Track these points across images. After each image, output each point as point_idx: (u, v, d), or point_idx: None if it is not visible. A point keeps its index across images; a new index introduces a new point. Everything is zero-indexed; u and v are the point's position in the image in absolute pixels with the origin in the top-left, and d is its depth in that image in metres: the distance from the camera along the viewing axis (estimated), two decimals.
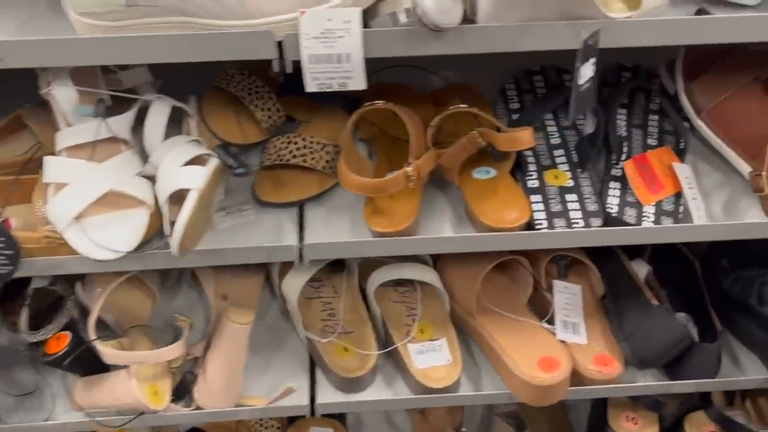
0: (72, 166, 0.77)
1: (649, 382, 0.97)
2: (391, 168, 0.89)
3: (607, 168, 0.90)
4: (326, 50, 0.68)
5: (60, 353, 0.88)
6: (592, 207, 0.86)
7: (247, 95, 0.91)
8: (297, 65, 0.69)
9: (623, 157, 0.90)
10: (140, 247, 0.78)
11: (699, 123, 0.92)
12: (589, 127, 0.96)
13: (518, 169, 0.90)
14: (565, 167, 0.91)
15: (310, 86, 0.70)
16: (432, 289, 1.00)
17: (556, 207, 0.86)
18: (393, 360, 1.00)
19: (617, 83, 1.02)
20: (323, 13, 0.67)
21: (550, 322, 0.98)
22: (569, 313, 1.00)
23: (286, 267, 0.99)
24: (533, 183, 0.88)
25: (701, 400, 1.07)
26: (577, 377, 0.94)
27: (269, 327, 1.05)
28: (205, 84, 0.92)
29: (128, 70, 0.83)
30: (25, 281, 0.94)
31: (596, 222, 0.84)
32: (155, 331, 1.01)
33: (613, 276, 1.00)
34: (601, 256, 1.02)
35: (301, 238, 0.85)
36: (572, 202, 0.86)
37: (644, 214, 0.85)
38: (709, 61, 0.93)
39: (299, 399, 0.96)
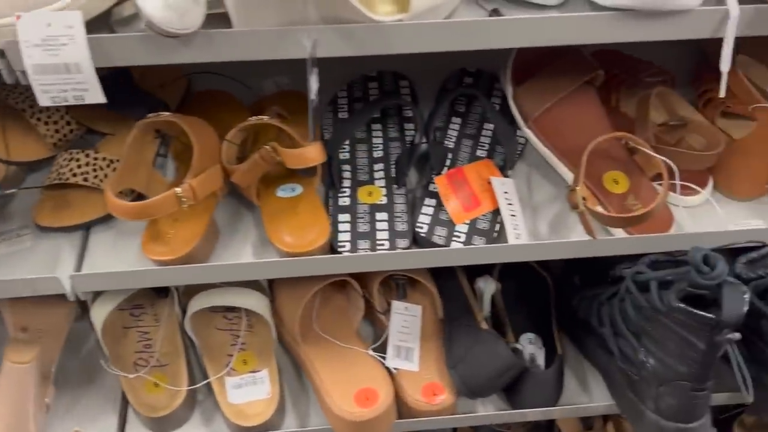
0: None
1: (488, 412, 0.91)
2: None
3: (426, 183, 0.83)
4: (51, 59, 0.59)
5: None
6: (401, 227, 0.78)
7: (29, 107, 0.82)
8: None
9: (444, 170, 0.84)
10: None
11: (527, 131, 0.85)
12: (417, 138, 0.90)
13: (332, 185, 0.83)
14: (382, 183, 0.83)
15: (42, 100, 0.62)
16: (263, 316, 0.93)
17: (363, 227, 0.78)
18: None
19: (456, 89, 0.96)
20: (41, 17, 0.58)
21: (385, 346, 0.91)
22: (405, 336, 0.93)
23: None
24: (344, 201, 0.81)
25: (547, 428, 1.01)
26: (405, 408, 0.87)
27: (84, 360, 0.96)
28: None
29: None
30: None
31: (402, 243, 0.77)
32: None
33: (449, 296, 0.93)
34: (439, 274, 0.96)
35: (80, 267, 0.77)
36: (382, 221, 0.79)
37: (455, 233, 0.78)
38: (539, 65, 0.86)
39: None
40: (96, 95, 0.62)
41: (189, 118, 0.76)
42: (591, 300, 0.91)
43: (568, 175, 0.83)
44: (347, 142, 0.88)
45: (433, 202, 0.81)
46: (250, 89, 0.95)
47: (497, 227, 0.79)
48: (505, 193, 0.80)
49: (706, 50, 0.99)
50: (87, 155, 0.80)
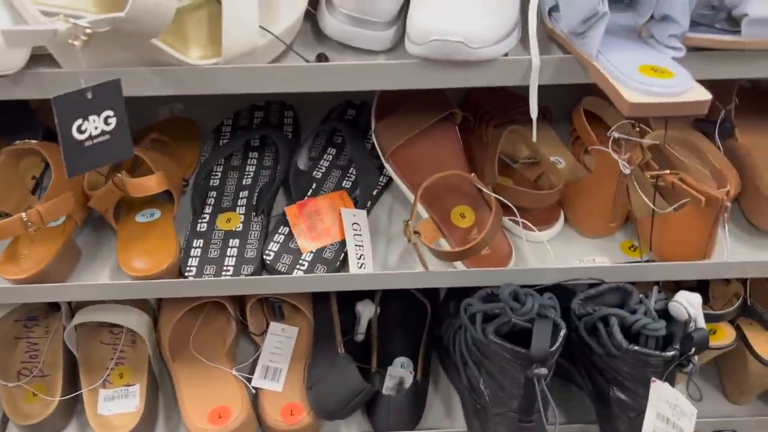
0: None
1: None
2: None
3: (283, 212, 0.87)
4: None
5: None
6: (250, 254, 0.82)
7: None
8: None
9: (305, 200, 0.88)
10: None
11: (386, 165, 0.89)
12: (302, 163, 0.94)
13: (194, 211, 0.88)
14: (242, 210, 0.88)
15: None
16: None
17: (214, 253, 0.82)
18: None
19: (340, 120, 1.00)
20: None
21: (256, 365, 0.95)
22: (276, 357, 0.97)
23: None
24: (202, 227, 0.85)
25: None
26: (265, 427, 0.91)
27: None
28: None
29: None
30: None
31: (247, 270, 0.81)
32: None
33: (319, 319, 0.97)
34: (317, 298, 0.99)
35: None
36: (233, 247, 0.83)
37: (300, 262, 0.82)
38: (401, 102, 0.90)
39: None
40: None
41: (51, 145, 0.81)
42: (451, 326, 0.94)
43: (419, 207, 0.86)
44: (220, 169, 0.93)
45: (286, 230, 0.85)
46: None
47: (342, 256, 0.83)
48: (354, 224, 0.84)
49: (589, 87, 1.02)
50: None
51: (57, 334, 0.99)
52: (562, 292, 0.83)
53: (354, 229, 0.83)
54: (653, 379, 0.73)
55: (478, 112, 0.98)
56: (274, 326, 0.99)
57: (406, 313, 1.02)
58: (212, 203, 0.88)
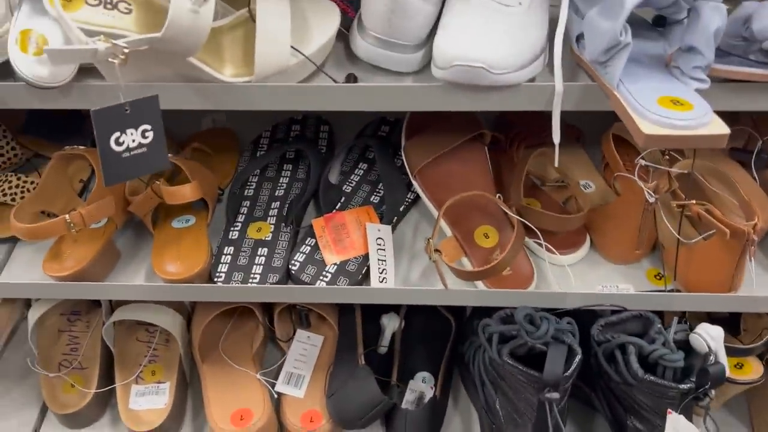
0: None
1: None
2: None
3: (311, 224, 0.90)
4: None
5: None
6: (277, 263, 0.85)
7: None
8: None
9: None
10: None
11: (414, 183, 0.91)
12: (333, 177, 0.97)
13: (228, 219, 0.91)
14: (273, 220, 0.91)
15: None
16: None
17: (243, 260, 0.86)
18: None
19: (373, 136, 1.02)
20: None
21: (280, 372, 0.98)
22: (300, 364, 0.99)
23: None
24: (234, 234, 0.89)
25: None
26: (284, 431, 0.93)
27: (24, 356, 1.08)
28: None
29: None
30: None
31: (273, 278, 0.83)
32: None
33: (344, 330, 0.99)
34: (343, 308, 1.02)
35: None
36: (261, 256, 0.86)
37: (324, 273, 0.84)
38: (431, 121, 0.92)
39: None
40: None
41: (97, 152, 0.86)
42: (473, 346, 0.94)
43: (444, 225, 0.87)
44: (255, 180, 0.96)
45: (312, 242, 0.87)
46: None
47: (365, 270, 0.85)
48: (379, 239, 0.86)
49: None
50: (18, 178, 0.91)
51: (97, 330, 1.04)
52: (585, 317, 0.83)
53: (378, 244, 0.85)
54: (669, 410, 0.72)
55: (510, 133, 0.99)
56: (300, 333, 1.02)
57: (430, 329, 1.04)
58: (245, 212, 0.91)
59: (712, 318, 0.94)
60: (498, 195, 0.85)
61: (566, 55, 0.70)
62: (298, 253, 0.86)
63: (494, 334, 0.78)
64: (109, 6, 0.66)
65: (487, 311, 0.93)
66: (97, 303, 1.07)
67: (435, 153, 0.88)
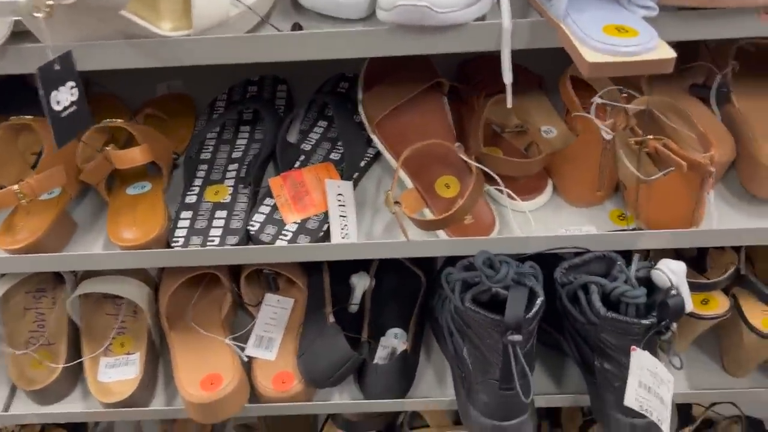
0: None
1: (337, 401, 0.95)
2: None
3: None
4: None
5: None
6: (236, 224, 0.84)
7: None
8: None
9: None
10: None
11: (373, 136, 0.89)
12: (292, 137, 0.95)
13: (185, 184, 0.89)
14: (231, 182, 0.89)
15: None
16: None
17: (201, 224, 0.84)
18: None
19: (332, 93, 1.00)
20: None
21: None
22: (270, 328, 0.98)
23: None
24: (191, 198, 0.87)
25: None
26: (257, 394, 0.93)
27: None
28: None
29: None
30: None
31: (232, 240, 0.82)
32: None
33: (313, 290, 0.98)
34: (312, 268, 1.01)
35: None
36: (219, 218, 0.85)
37: (283, 232, 0.83)
38: (388, 72, 0.90)
39: None
40: None
41: (43, 120, 0.83)
42: (440, 298, 0.94)
43: (405, 179, 0.86)
44: (212, 143, 0.94)
45: (272, 202, 0.86)
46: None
47: (326, 227, 0.83)
48: (339, 195, 0.84)
49: None
50: None
51: (62, 305, 1.03)
52: (550, 261, 0.82)
53: (338, 200, 0.84)
54: (633, 347, 0.72)
55: (471, 82, 0.97)
56: (269, 297, 1.01)
57: (401, 286, 1.03)
58: (202, 176, 0.90)
59: (682, 256, 0.94)
60: (458, 144, 0.84)
61: None
62: (257, 214, 0.85)
63: (457, 282, 0.77)
64: None
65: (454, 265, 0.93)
66: (62, 279, 1.05)
67: (392, 104, 0.87)
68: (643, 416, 0.76)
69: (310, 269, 1.01)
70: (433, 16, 0.64)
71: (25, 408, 0.98)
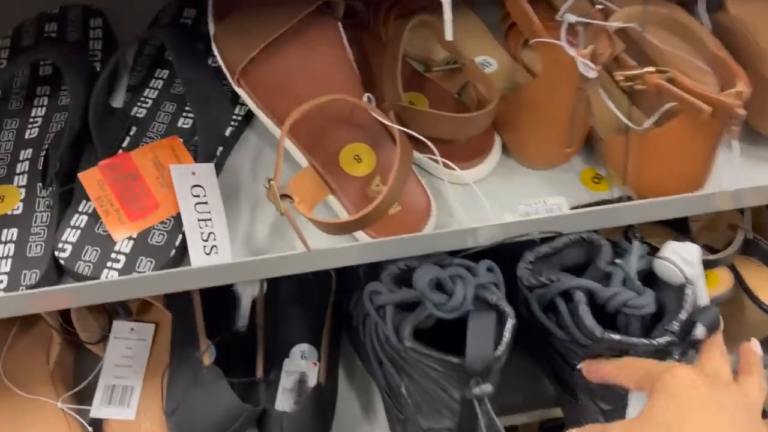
0: None
1: None
2: None
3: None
4: None
5: None
6: (35, 251, 0.54)
7: None
8: None
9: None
10: None
11: (239, 90, 0.60)
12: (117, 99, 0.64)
13: None
14: (24, 180, 0.58)
15: None
16: None
17: None
18: None
19: (171, 26, 0.69)
20: None
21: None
22: (125, 371, 0.70)
23: None
24: None
25: None
26: None
27: None
28: None
29: None
30: None
31: (30, 278, 0.52)
32: None
33: (178, 315, 0.70)
34: None
35: None
36: (9, 243, 0.54)
37: (113, 257, 0.53)
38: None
39: None
40: None
41: None
42: (361, 304, 0.69)
43: (296, 151, 0.59)
44: None
45: (90, 208, 0.56)
46: None
47: (179, 240, 0.55)
48: (195, 187, 0.56)
49: None
50: None
51: None
52: (509, 249, 0.59)
53: (195, 195, 0.55)
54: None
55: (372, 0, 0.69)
56: (119, 326, 0.72)
57: (303, 287, 0.77)
58: None
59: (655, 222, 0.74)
60: (367, 95, 0.57)
61: None
62: (67, 230, 0.54)
63: (387, 305, 0.52)
64: None
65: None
66: None
67: (262, 41, 0.57)
68: None
69: None
70: None
71: None
